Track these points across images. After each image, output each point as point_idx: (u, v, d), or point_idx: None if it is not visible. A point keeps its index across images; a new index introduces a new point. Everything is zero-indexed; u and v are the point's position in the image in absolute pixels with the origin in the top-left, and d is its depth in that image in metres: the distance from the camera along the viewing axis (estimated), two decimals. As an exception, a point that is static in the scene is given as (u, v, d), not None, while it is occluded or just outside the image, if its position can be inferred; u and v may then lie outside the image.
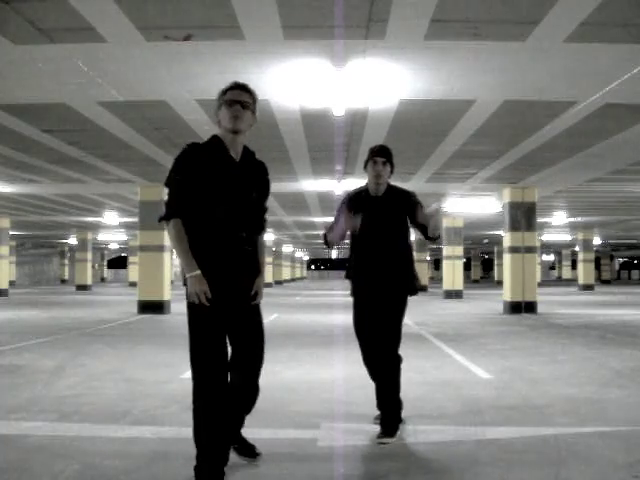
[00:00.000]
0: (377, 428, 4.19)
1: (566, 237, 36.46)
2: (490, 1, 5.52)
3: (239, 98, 3.27)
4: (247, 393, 3.48)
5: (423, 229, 4.28)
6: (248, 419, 3.68)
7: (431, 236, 4.26)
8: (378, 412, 4.35)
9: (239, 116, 3.24)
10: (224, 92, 3.31)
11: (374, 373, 4.33)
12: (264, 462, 3.63)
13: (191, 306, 3.23)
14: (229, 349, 3.40)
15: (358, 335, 4.36)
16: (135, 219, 19.37)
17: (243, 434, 3.65)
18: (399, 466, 3.58)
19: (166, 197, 3.27)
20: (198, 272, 3.14)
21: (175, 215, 3.18)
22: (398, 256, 4.29)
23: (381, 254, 4.24)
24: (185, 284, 3.21)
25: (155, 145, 11.13)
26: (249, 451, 3.63)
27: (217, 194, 3.20)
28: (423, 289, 5.35)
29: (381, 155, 4.31)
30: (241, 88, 3.31)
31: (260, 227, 3.47)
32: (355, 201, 4.35)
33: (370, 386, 4.41)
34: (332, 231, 4.36)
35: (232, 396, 3.31)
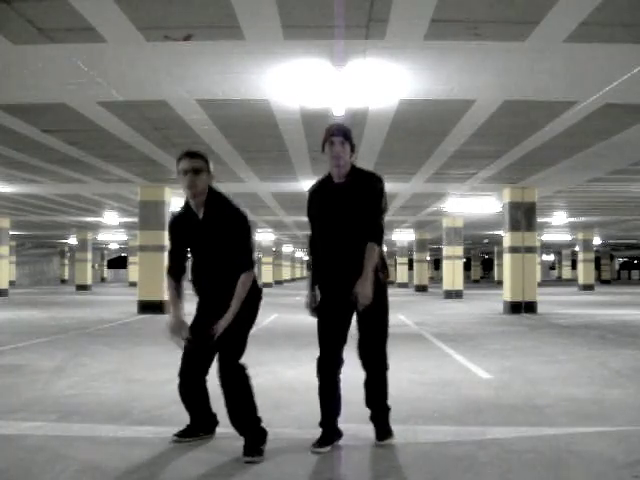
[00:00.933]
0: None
1: (566, 237, 36.46)
2: (490, 1, 5.52)
3: (190, 166, 3.77)
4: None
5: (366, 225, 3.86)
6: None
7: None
8: (315, 441, 3.92)
9: (193, 184, 3.76)
10: (178, 160, 3.84)
11: (328, 390, 3.95)
12: (264, 462, 3.63)
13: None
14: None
15: (320, 341, 3.96)
16: (135, 219, 19.37)
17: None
18: (399, 466, 3.58)
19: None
20: (180, 318, 3.92)
21: (167, 273, 4.03)
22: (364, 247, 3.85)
23: (347, 249, 3.84)
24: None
25: (155, 145, 11.12)
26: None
27: (192, 249, 3.94)
28: (391, 282, 5.29)
29: (338, 134, 3.89)
30: (190, 156, 3.82)
31: (240, 266, 3.80)
32: (319, 192, 4.00)
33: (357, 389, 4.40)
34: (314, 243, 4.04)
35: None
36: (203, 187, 3.80)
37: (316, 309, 4.01)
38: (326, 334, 3.94)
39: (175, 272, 4.00)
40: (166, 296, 15.92)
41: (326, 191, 3.97)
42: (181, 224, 3.94)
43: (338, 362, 3.93)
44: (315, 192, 4.04)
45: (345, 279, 3.84)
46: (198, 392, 3.97)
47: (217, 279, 3.83)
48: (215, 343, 3.73)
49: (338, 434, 4.00)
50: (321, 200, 3.97)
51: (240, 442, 3.78)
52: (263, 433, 3.83)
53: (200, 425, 4.09)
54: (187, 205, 3.91)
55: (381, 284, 3.91)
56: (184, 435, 4.04)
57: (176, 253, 4.00)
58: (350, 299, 3.82)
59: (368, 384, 4.04)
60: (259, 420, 3.84)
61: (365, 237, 3.84)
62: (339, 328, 3.92)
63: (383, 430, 4.00)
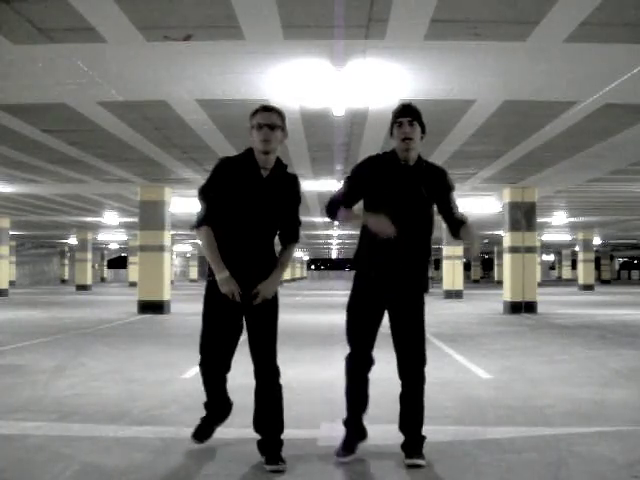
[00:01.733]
0: (381, 427, 4.18)
1: (566, 237, 36.46)
2: (490, 1, 5.52)
3: (267, 121, 3.54)
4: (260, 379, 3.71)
5: (451, 221, 3.71)
6: (248, 419, 3.68)
7: (467, 248, 3.91)
8: (338, 447, 3.75)
9: (269, 139, 3.52)
10: (253, 114, 3.61)
11: (356, 389, 3.76)
12: (264, 462, 3.63)
13: (208, 301, 3.67)
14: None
15: (352, 329, 3.72)
16: (135, 219, 19.37)
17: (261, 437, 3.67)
18: (399, 466, 3.58)
19: (199, 206, 3.61)
20: (227, 274, 3.49)
21: (205, 223, 3.55)
22: (421, 244, 3.65)
23: (403, 240, 3.49)
24: (209, 277, 3.59)
25: (155, 145, 11.12)
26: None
27: (241, 208, 3.53)
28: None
29: (406, 114, 3.57)
30: (269, 110, 3.59)
31: (294, 237, 3.74)
32: (379, 165, 3.60)
33: (371, 387, 4.39)
34: (339, 206, 3.66)
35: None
36: (277, 145, 3.59)
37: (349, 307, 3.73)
38: (357, 332, 3.69)
39: (213, 222, 3.54)
40: (167, 295, 16.07)
41: (389, 168, 3.59)
42: (238, 173, 3.55)
43: (369, 362, 3.72)
44: (372, 163, 3.65)
45: (394, 271, 3.57)
46: (221, 376, 3.85)
47: (262, 245, 3.58)
48: (259, 308, 3.57)
49: (362, 434, 3.82)
50: (380, 174, 3.57)
51: (237, 445, 3.78)
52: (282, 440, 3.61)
53: (216, 413, 3.93)
54: (249, 157, 3.61)
55: (427, 287, 3.79)
56: (203, 434, 3.86)
57: (216, 201, 3.53)
58: (384, 297, 3.61)
59: (405, 401, 3.71)
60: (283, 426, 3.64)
61: (425, 225, 3.64)
62: (372, 323, 3.65)
63: (414, 449, 3.60)
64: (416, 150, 3.61)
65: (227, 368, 3.79)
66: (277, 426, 3.59)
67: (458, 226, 3.71)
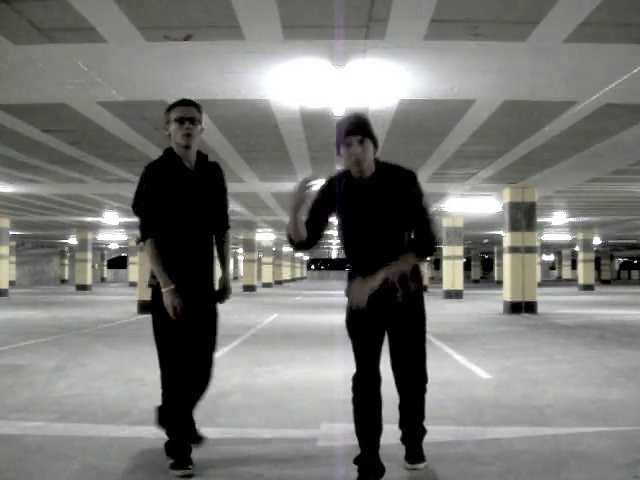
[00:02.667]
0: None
1: (566, 237, 36.46)
2: (490, 1, 5.51)
3: (188, 115, 3.54)
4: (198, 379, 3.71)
5: (419, 233, 3.24)
6: (248, 419, 3.68)
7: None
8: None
9: (191, 133, 3.53)
10: (170, 108, 3.60)
11: (366, 406, 3.27)
12: (264, 462, 3.63)
13: (156, 316, 3.57)
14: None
15: (359, 356, 3.32)
16: (135, 219, 19.36)
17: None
18: (399, 466, 3.58)
19: (138, 220, 3.61)
20: (172, 286, 3.46)
21: (149, 235, 3.54)
22: (396, 254, 3.20)
23: (375, 256, 3.19)
24: (150, 286, 3.58)
25: (155, 145, 11.11)
26: (197, 439, 3.75)
27: (179, 207, 3.53)
28: (424, 289, 5.13)
29: (355, 132, 3.15)
30: (188, 104, 3.59)
31: (225, 225, 3.79)
32: (332, 187, 3.25)
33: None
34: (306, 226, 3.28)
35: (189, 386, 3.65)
36: (198, 139, 3.60)
37: (349, 320, 3.33)
38: (362, 348, 3.29)
39: (156, 232, 3.53)
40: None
41: (346, 188, 3.24)
42: (166, 175, 3.57)
43: (377, 378, 3.29)
44: (327, 189, 3.28)
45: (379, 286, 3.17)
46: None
47: (204, 243, 3.65)
48: None
49: (379, 472, 3.23)
50: (343, 198, 3.24)
51: (237, 445, 3.77)
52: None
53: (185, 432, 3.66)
54: (171, 156, 3.63)
55: (418, 291, 3.39)
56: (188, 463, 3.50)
57: (154, 209, 3.55)
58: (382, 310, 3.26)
59: (404, 404, 3.52)
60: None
61: (397, 234, 3.26)
62: (374, 341, 3.30)
63: (414, 452, 3.51)
64: (370, 166, 3.20)
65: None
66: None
67: (412, 247, 3.27)
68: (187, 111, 3.55)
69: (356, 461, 3.26)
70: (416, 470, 3.49)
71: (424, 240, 3.23)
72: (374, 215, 3.21)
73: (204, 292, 3.66)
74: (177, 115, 3.54)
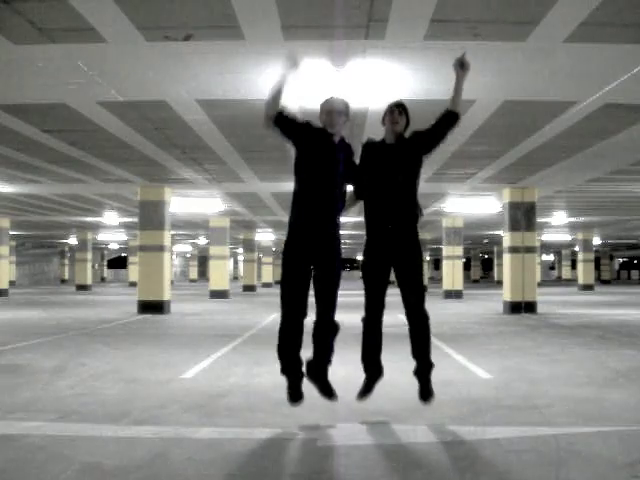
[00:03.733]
0: (380, 427, 4.19)
1: (566, 237, 36.46)
2: (490, 1, 5.52)
3: (335, 107, 4.44)
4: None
5: (439, 124, 4.53)
6: (248, 419, 3.68)
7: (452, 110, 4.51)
8: (359, 390, 4.59)
9: (334, 122, 4.43)
10: (324, 106, 4.49)
11: (371, 333, 4.56)
12: (264, 462, 3.64)
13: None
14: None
15: (366, 280, 4.52)
16: (135, 219, 19.38)
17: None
18: (399, 466, 3.58)
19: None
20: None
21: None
22: (410, 202, 4.47)
23: (394, 203, 4.40)
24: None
25: (155, 145, 11.12)
26: (328, 391, 4.46)
27: (314, 161, 4.36)
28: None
29: (398, 106, 4.54)
30: (334, 100, 4.50)
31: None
32: (371, 147, 4.60)
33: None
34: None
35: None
36: (340, 128, 4.47)
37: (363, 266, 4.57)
38: (371, 283, 4.50)
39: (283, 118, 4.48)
40: (167, 295, 16.08)
41: (377, 148, 4.55)
42: (314, 138, 4.39)
43: (381, 306, 4.53)
44: (367, 146, 4.61)
45: (391, 231, 4.40)
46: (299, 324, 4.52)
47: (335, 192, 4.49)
48: None
49: (379, 370, 4.59)
50: (371, 154, 4.55)
51: (236, 445, 3.77)
52: None
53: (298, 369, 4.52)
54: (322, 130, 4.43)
55: (417, 233, 4.49)
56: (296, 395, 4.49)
57: (297, 124, 4.44)
58: (393, 248, 4.41)
59: (413, 334, 4.56)
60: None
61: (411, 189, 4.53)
62: (382, 278, 4.49)
63: (426, 389, 4.49)
64: (401, 131, 4.51)
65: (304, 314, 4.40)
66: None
67: (448, 116, 4.57)
68: (335, 104, 4.48)
69: (363, 359, 4.59)
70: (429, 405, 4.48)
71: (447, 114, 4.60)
72: (399, 167, 4.45)
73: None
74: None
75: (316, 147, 4.35)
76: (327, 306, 4.33)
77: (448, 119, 4.49)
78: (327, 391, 4.45)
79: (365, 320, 4.58)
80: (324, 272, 4.34)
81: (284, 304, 4.32)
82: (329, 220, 4.36)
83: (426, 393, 4.50)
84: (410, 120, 4.56)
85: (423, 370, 4.54)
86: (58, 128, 10.05)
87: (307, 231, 4.30)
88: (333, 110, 4.38)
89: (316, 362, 4.41)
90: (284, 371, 4.45)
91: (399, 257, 4.44)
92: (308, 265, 4.32)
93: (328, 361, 4.44)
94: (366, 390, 4.57)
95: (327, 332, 4.38)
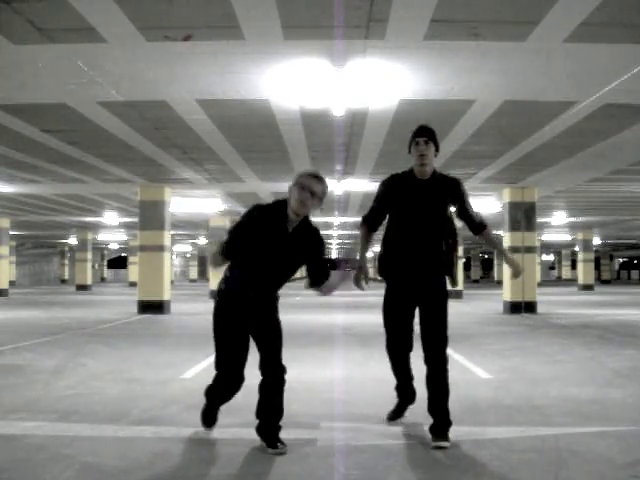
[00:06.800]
0: (380, 427, 4.19)
1: (566, 237, 36.46)
2: (490, 1, 5.52)
3: (311, 187, 3.78)
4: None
5: (470, 222, 4.32)
6: (248, 419, 3.68)
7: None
8: (389, 411, 4.52)
9: (305, 203, 3.77)
10: (301, 175, 3.86)
11: (399, 368, 4.39)
12: (263, 462, 3.64)
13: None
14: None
15: (388, 323, 4.31)
16: (135, 219, 19.36)
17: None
18: (399, 466, 3.58)
19: (224, 238, 3.88)
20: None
21: (222, 254, 3.86)
22: (438, 246, 4.18)
23: (422, 243, 4.14)
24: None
25: (155, 145, 11.12)
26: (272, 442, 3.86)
27: (261, 253, 3.80)
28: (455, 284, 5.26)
29: (422, 135, 4.13)
30: (316, 179, 3.83)
31: (323, 278, 4.17)
32: (398, 182, 4.20)
33: (369, 386, 4.41)
34: (372, 216, 4.34)
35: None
36: (309, 211, 3.89)
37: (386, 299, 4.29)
38: (393, 325, 4.28)
39: (230, 257, 3.91)
40: (167, 295, 16.05)
41: (408, 184, 4.16)
42: (264, 222, 3.84)
43: (408, 345, 4.29)
44: (393, 180, 4.23)
45: (416, 272, 4.14)
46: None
47: (269, 289, 4.22)
48: None
49: (412, 396, 4.44)
50: (400, 189, 4.17)
51: (236, 445, 3.77)
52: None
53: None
54: (280, 210, 3.87)
55: (444, 276, 4.21)
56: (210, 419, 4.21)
57: (238, 242, 3.85)
58: (417, 292, 4.13)
59: (431, 383, 4.09)
60: None
61: (440, 231, 4.19)
62: (406, 319, 4.22)
63: (444, 430, 3.96)
64: (430, 165, 4.13)
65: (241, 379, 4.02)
66: (278, 413, 3.87)
67: (477, 227, 4.36)
68: (313, 184, 3.82)
69: (396, 388, 4.45)
70: (440, 448, 3.84)
71: (479, 225, 4.36)
72: (427, 210, 4.13)
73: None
74: (302, 182, 3.84)
75: (264, 237, 3.82)
76: (274, 360, 3.90)
77: (474, 225, 4.37)
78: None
79: (392, 360, 4.42)
80: (265, 331, 4.05)
81: (219, 367, 3.97)
82: (265, 299, 4.07)
83: (445, 433, 3.97)
84: (439, 145, 4.21)
85: (442, 428, 3.98)
86: (58, 128, 10.05)
87: (241, 301, 3.94)
88: (311, 190, 3.78)
89: (266, 426, 3.88)
90: (205, 414, 4.18)
91: (424, 299, 4.16)
92: (245, 330, 3.97)
93: (278, 427, 3.86)
94: (398, 414, 4.50)
95: (276, 391, 3.88)
